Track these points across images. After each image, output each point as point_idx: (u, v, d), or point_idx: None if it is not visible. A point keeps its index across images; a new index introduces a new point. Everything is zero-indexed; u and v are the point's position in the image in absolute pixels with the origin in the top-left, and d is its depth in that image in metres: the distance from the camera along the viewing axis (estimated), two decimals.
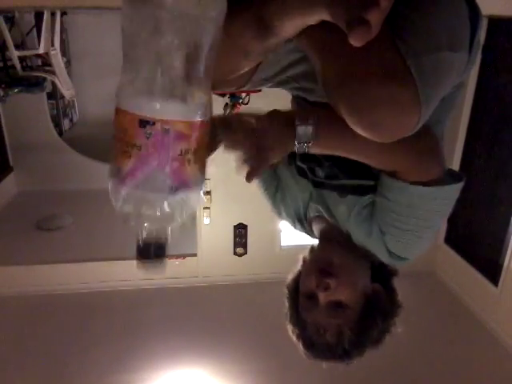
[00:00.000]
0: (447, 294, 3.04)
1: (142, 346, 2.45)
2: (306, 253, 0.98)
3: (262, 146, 0.67)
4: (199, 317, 2.70)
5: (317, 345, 0.88)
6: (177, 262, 3.05)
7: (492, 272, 2.72)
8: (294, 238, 3.07)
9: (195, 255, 3.06)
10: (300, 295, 0.91)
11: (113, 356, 2.37)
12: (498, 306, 2.67)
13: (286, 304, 0.95)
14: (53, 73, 3.63)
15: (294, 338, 0.92)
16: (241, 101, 2.68)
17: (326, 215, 0.94)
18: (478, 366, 2.43)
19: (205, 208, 2.94)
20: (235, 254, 3.08)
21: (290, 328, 0.93)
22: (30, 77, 3.57)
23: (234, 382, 2.31)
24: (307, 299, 0.89)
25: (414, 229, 0.79)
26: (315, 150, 0.70)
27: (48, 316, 2.69)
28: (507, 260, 2.58)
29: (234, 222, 3.01)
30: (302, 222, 1.04)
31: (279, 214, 1.08)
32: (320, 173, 0.92)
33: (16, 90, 3.45)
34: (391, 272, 0.94)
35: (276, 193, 1.05)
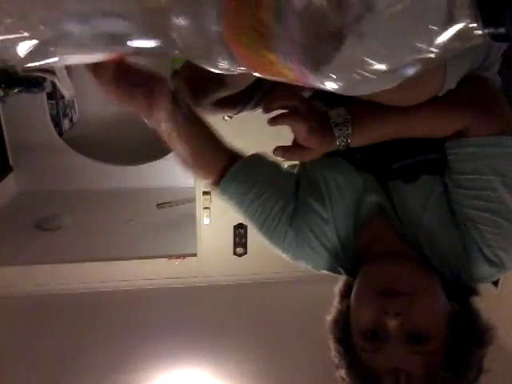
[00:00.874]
0: None
1: (142, 346, 2.44)
2: (342, 285, 0.76)
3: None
4: (199, 317, 2.70)
5: None
6: (177, 262, 3.05)
7: None
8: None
9: (195, 255, 3.06)
10: (356, 336, 0.66)
11: (113, 356, 2.37)
12: (498, 306, 2.67)
13: (335, 355, 0.70)
14: (53, 73, 3.63)
15: None
16: None
17: (388, 214, 0.72)
18: None
19: (205, 208, 2.94)
20: (235, 254, 3.08)
21: None
22: (30, 77, 3.57)
23: (234, 382, 2.30)
24: (370, 339, 0.64)
25: (506, 208, 0.59)
26: (359, 142, 0.64)
27: (48, 316, 2.68)
28: None
29: (233, 222, 3.01)
30: (342, 244, 0.76)
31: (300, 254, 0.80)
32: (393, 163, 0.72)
33: (16, 90, 3.45)
34: (469, 290, 0.71)
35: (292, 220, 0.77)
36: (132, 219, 3.68)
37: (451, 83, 0.59)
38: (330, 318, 0.73)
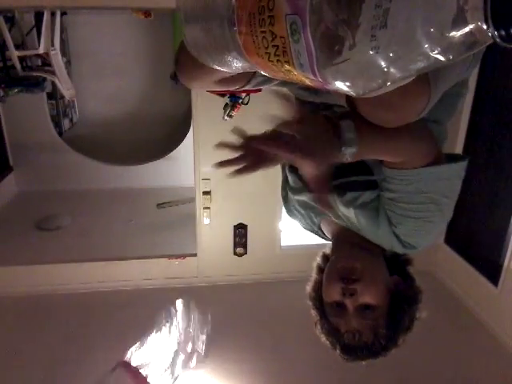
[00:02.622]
0: (447, 294, 3.04)
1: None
2: (319, 259, 0.99)
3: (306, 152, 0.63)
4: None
5: (355, 348, 0.89)
6: (177, 261, 3.05)
7: (492, 272, 2.72)
8: (294, 238, 3.07)
9: (195, 255, 3.06)
10: (326, 305, 0.92)
11: (113, 356, 2.37)
12: (498, 306, 2.67)
13: (314, 315, 0.95)
14: (53, 73, 3.63)
15: (330, 346, 0.93)
16: (241, 101, 2.68)
17: (333, 218, 0.95)
18: (478, 366, 2.43)
19: (205, 208, 2.94)
20: (235, 254, 3.08)
21: (323, 338, 0.94)
22: (30, 77, 3.58)
23: (234, 381, 2.31)
24: (335, 308, 0.90)
25: (426, 215, 0.80)
26: (354, 157, 0.67)
27: (48, 316, 2.69)
28: (507, 260, 2.58)
29: (233, 222, 3.01)
30: (313, 227, 1.05)
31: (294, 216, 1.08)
32: None
33: (16, 90, 3.45)
34: (406, 261, 0.96)
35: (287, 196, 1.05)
36: (132, 219, 3.68)
37: (432, 104, 0.65)
38: (309, 287, 0.97)
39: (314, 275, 0.97)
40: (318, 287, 0.94)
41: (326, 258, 0.98)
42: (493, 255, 2.72)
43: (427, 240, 0.88)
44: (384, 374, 2.27)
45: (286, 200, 1.07)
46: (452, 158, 0.79)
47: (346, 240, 0.96)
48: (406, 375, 2.33)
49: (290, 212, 1.10)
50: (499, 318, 2.65)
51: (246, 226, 3.02)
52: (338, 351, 0.91)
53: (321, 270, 0.96)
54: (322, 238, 1.07)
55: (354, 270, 0.88)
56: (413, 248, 0.88)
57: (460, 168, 0.81)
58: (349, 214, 0.90)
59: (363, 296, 0.86)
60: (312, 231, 1.09)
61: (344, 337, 0.89)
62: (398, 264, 0.94)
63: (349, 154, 0.65)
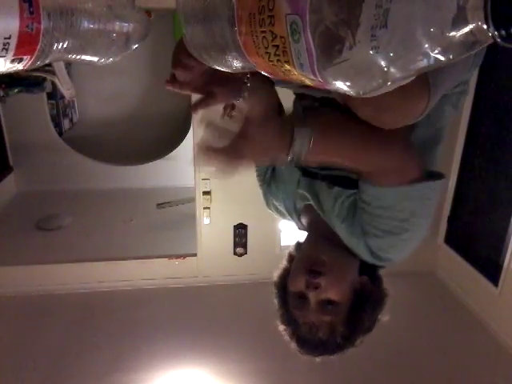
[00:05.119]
0: (447, 294, 3.04)
1: (142, 346, 2.45)
2: (293, 249, 1.00)
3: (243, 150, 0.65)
4: (199, 317, 2.70)
5: (310, 342, 0.90)
6: (177, 262, 3.05)
7: (492, 272, 2.72)
8: (294, 238, 3.07)
9: (195, 255, 3.06)
10: (289, 294, 0.92)
11: (113, 356, 2.38)
12: (497, 306, 2.67)
13: (276, 303, 0.97)
14: (53, 73, 3.63)
15: (287, 337, 0.94)
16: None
17: (314, 205, 0.94)
18: (478, 366, 2.43)
19: (205, 208, 2.94)
20: (235, 254, 3.08)
21: (282, 327, 0.95)
22: (30, 77, 3.57)
23: (235, 382, 2.31)
24: (297, 298, 0.90)
25: (395, 231, 0.80)
26: (305, 161, 0.69)
27: (48, 316, 2.69)
28: (507, 260, 2.58)
29: (233, 221, 3.01)
30: (292, 214, 1.04)
31: (271, 204, 1.08)
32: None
33: (16, 90, 3.45)
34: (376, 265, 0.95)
35: (270, 182, 1.05)
36: (132, 219, 3.68)
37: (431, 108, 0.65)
38: (276, 274, 0.98)
39: (284, 263, 0.98)
40: (285, 275, 0.95)
41: (299, 246, 0.99)
42: (493, 255, 2.72)
43: (396, 255, 0.87)
44: (384, 374, 2.27)
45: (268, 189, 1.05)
46: (430, 176, 0.77)
47: (319, 232, 0.95)
48: (406, 375, 2.33)
49: (269, 204, 1.09)
50: (499, 318, 2.65)
51: (246, 226, 3.02)
52: (293, 342, 0.92)
53: (291, 258, 0.96)
54: (300, 228, 1.06)
55: (320, 262, 0.87)
56: (381, 260, 0.87)
57: (434, 187, 0.78)
58: (330, 209, 0.89)
59: (327, 291, 0.86)
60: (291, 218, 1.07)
61: (301, 329, 0.89)
62: (368, 264, 0.92)
63: (296, 161, 0.67)
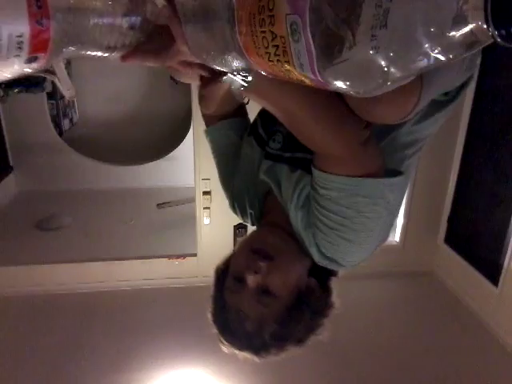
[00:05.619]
0: (447, 294, 3.04)
1: (142, 346, 2.44)
2: (247, 235, 0.93)
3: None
4: (199, 317, 2.69)
5: (234, 330, 0.82)
6: (177, 262, 3.05)
7: (492, 272, 2.72)
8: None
9: (195, 255, 3.06)
10: (228, 276, 0.85)
11: (113, 356, 2.37)
12: (498, 306, 2.67)
13: (212, 285, 0.89)
14: (53, 73, 3.63)
15: (210, 319, 0.88)
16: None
17: (274, 190, 0.87)
18: (478, 366, 2.43)
19: (205, 208, 2.94)
20: None
21: (209, 309, 0.88)
22: (30, 77, 3.57)
23: (235, 382, 2.31)
24: (235, 281, 0.82)
25: (339, 228, 0.73)
26: (252, 94, 0.64)
27: (48, 316, 2.68)
28: (507, 260, 2.58)
29: (233, 222, 3.01)
30: (255, 205, 0.97)
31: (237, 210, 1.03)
32: (275, 144, 0.87)
33: (16, 90, 3.45)
34: (331, 271, 0.87)
35: (232, 178, 0.99)
36: (132, 219, 3.68)
37: (420, 107, 0.63)
38: (221, 260, 0.92)
39: (234, 248, 0.91)
40: (229, 259, 0.89)
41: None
42: (493, 255, 2.72)
43: (343, 257, 0.78)
44: (384, 374, 2.27)
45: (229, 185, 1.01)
46: (389, 174, 0.71)
47: (275, 220, 0.87)
48: (406, 375, 2.33)
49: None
50: (499, 318, 2.65)
51: (246, 226, 3.02)
52: (215, 328, 0.86)
53: (241, 243, 0.90)
54: (256, 222, 0.99)
55: (268, 245, 0.81)
56: (327, 259, 0.79)
57: (388, 185, 0.71)
58: (289, 196, 0.81)
59: (267, 278, 0.78)
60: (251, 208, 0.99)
61: (228, 313, 0.82)
62: (322, 271, 0.84)
63: (234, 89, 0.62)
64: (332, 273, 0.87)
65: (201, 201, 2.92)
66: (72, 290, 2.89)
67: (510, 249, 2.57)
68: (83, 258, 2.99)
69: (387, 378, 2.30)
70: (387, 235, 0.80)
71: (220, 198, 3.00)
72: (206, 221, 2.97)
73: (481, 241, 2.89)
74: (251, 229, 0.96)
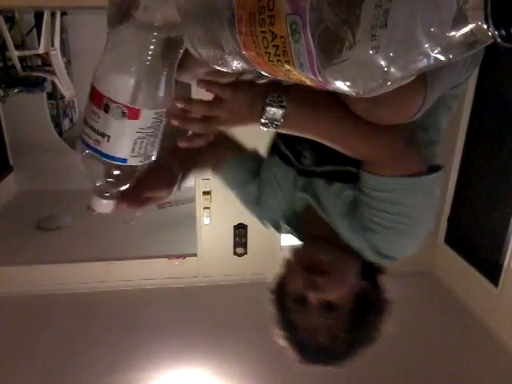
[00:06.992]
0: (447, 293, 3.04)
1: (142, 346, 2.45)
2: (289, 254, 0.93)
3: (215, 116, 0.64)
4: (199, 317, 2.70)
5: (310, 348, 0.85)
6: (177, 262, 3.05)
7: (492, 272, 2.72)
8: (294, 238, 3.07)
9: (195, 255, 3.06)
10: (287, 299, 0.87)
11: (113, 356, 2.37)
12: (498, 306, 2.67)
13: (274, 309, 0.92)
14: (53, 73, 3.63)
15: (285, 343, 0.89)
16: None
17: (314, 205, 0.89)
18: (478, 366, 2.43)
19: (205, 208, 2.94)
20: (235, 254, 3.08)
21: (279, 334, 0.90)
22: (30, 77, 3.57)
23: (235, 382, 2.31)
24: (296, 302, 0.85)
25: (397, 226, 0.76)
26: (283, 130, 0.66)
27: (48, 316, 2.69)
28: (507, 260, 2.58)
29: (233, 221, 3.01)
30: (292, 222, 0.99)
31: (267, 225, 1.06)
32: (306, 160, 0.88)
33: (16, 90, 3.45)
34: (378, 269, 0.90)
35: (259, 203, 1.03)
36: (132, 219, 3.68)
37: (427, 107, 0.64)
38: (274, 281, 0.93)
39: (282, 269, 0.93)
40: (282, 280, 0.91)
41: (296, 251, 0.94)
42: (493, 255, 2.72)
43: (399, 252, 0.83)
44: (383, 373, 2.27)
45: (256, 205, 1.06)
46: (430, 170, 0.74)
47: (319, 234, 0.89)
48: (406, 375, 2.33)
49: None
50: (499, 318, 2.65)
51: (246, 226, 3.02)
52: (293, 350, 0.88)
53: (288, 263, 0.92)
54: (296, 234, 1.01)
55: (319, 261, 0.82)
56: (383, 257, 0.82)
57: (435, 179, 0.75)
58: (331, 208, 0.84)
59: (327, 292, 0.81)
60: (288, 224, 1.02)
61: (300, 334, 0.85)
62: (369, 270, 0.88)
63: (273, 127, 0.64)
64: (380, 270, 0.90)
65: (201, 201, 2.92)
66: (72, 289, 2.89)
67: (510, 249, 2.57)
68: (83, 258, 2.99)
69: (387, 377, 2.30)
70: (433, 221, 0.84)
71: (220, 198, 3.00)
72: (206, 221, 2.97)
73: (481, 241, 2.89)
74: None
